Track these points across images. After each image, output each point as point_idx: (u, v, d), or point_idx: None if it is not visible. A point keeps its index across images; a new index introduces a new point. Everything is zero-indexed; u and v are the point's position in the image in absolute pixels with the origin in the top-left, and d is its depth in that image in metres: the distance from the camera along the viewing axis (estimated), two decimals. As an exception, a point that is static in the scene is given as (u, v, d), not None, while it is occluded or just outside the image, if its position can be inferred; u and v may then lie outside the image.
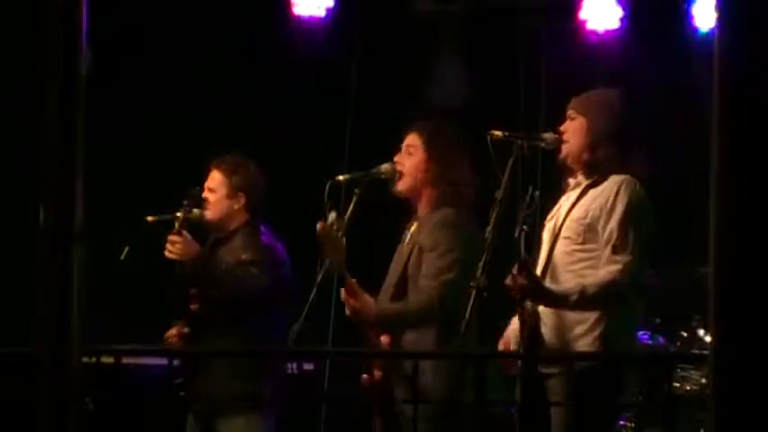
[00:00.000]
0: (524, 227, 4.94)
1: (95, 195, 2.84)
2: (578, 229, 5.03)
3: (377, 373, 5.46)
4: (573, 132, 5.19)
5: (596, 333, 4.98)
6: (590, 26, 7.88)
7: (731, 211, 2.27)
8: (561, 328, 5.02)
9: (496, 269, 5.09)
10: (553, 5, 7.90)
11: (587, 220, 5.02)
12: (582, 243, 5.03)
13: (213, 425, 5.98)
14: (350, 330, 5.99)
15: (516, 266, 4.92)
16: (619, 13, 7.82)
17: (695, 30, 7.66)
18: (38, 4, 2.36)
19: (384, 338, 5.51)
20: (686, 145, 6.54)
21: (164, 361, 6.29)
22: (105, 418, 5.25)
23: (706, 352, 6.11)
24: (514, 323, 5.18)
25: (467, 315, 4.99)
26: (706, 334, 6.48)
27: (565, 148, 5.19)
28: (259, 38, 7.95)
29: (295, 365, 6.01)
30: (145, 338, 6.05)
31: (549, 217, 5.24)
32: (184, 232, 5.98)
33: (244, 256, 6.02)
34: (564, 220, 5.11)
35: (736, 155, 2.26)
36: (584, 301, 4.94)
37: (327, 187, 5.59)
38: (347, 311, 5.46)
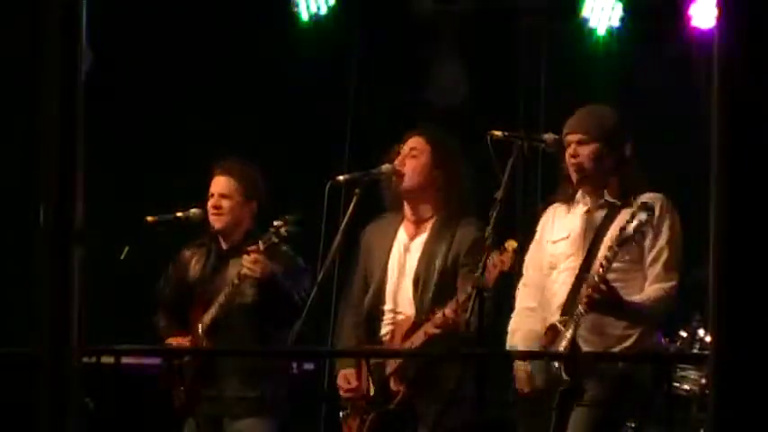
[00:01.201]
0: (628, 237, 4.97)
1: (95, 195, 2.84)
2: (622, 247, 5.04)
3: (397, 387, 5.47)
4: (590, 158, 5.16)
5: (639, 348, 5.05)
6: (591, 26, 7.87)
7: (731, 211, 2.27)
8: (605, 345, 5.08)
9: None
10: (553, 5, 7.89)
11: (631, 239, 5.03)
12: (622, 261, 5.06)
13: (220, 427, 5.97)
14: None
15: (597, 277, 4.94)
16: (619, 12, 7.81)
17: (695, 30, 7.65)
18: (38, 4, 2.36)
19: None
20: (686, 145, 6.54)
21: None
22: (105, 418, 5.24)
23: (706, 352, 6.12)
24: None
25: (467, 315, 4.99)
26: (706, 334, 6.48)
27: (583, 172, 5.17)
28: (259, 38, 7.94)
29: (295, 365, 6.00)
30: (145, 338, 6.05)
31: (564, 234, 5.21)
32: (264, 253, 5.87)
33: (280, 269, 5.94)
34: (597, 239, 5.10)
35: (736, 155, 2.26)
36: (648, 314, 5.04)
37: (327, 187, 5.58)
38: (444, 324, 5.40)
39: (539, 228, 5.36)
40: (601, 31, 7.83)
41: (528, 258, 5.35)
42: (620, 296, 4.98)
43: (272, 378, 5.94)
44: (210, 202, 6.12)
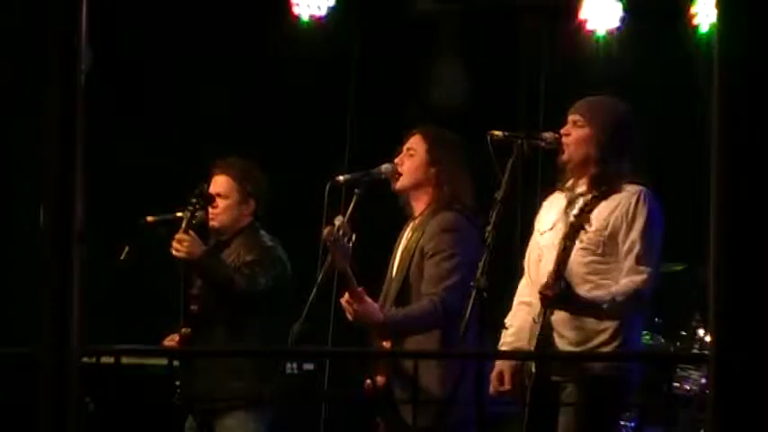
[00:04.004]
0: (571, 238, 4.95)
1: (96, 195, 2.84)
2: (597, 241, 5.02)
3: (380, 379, 5.46)
4: (578, 141, 5.17)
5: (617, 342, 5.01)
6: (590, 26, 7.88)
7: (731, 210, 2.27)
8: (580, 340, 5.03)
9: (497, 269, 5.10)
10: (553, 5, 7.90)
11: (607, 232, 5.02)
12: (601, 255, 5.03)
13: (212, 424, 5.98)
14: (350, 330, 5.99)
15: (551, 273, 4.92)
16: (619, 12, 7.82)
17: (695, 30, 7.66)
18: (38, 4, 2.37)
19: (386, 344, 5.50)
20: (686, 145, 6.55)
21: (164, 361, 6.29)
22: (105, 418, 5.25)
23: (706, 352, 6.12)
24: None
25: (466, 315, 4.99)
26: (706, 334, 6.48)
27: (568, 155, 5.18)
28: (259, 38, 7.95)
29: (295, 365, 6.01)
30: (145, 338, 6.05)
31: (550, 225, 5.21)
32: (191, 231, 5.95)
33: (248, 258, 6.02)
34: (577, 229, 5.09)
35: (736, 155, 2.26)
36: (613, 309, 4.97)
37: (327, 187, 5.59)
38: (349, 316, 5.44)
39: (536, 218, 5.36)
40: (601, 32, 7.84)
41: (528, 251, 5.35)
42: (575, 293, 4.96)
43: (269, 376, 5.95)
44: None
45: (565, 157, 5.18)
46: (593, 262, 5.05)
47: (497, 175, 5.17)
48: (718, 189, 2.27)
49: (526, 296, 5.28)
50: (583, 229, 4.91)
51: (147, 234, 6.04)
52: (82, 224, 2.31)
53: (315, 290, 5.50)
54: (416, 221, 5.65)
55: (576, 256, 5.03)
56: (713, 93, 2.28)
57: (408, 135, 5.75)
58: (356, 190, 5.61)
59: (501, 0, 7.99)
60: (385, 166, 5.72)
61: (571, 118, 5.22)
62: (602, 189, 5.08)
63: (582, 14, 7.82)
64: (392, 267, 5.70)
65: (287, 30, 8.05)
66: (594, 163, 5.16)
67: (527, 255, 5.34)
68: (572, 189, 5.22)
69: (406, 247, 5.62)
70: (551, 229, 5.19)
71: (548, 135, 5.31)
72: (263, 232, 6.17)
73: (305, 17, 8.09)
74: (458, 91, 7.73)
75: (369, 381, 5.50)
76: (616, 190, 5.09)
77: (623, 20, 7.80)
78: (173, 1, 8.08)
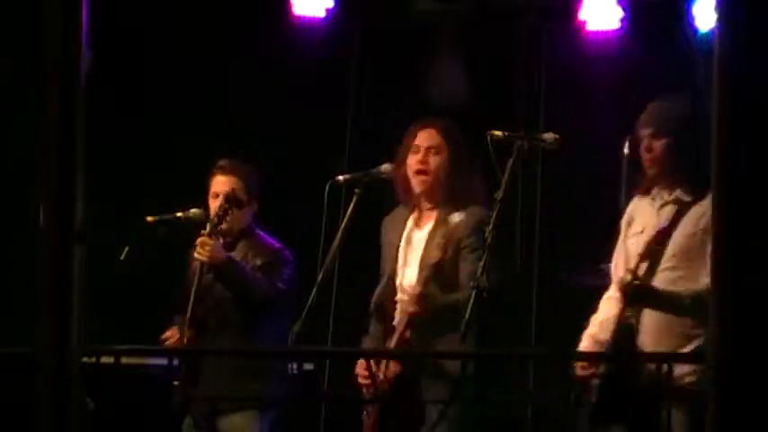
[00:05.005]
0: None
1: (96, 195, 2.84)
2: (689, 245, 5.03)
3: (393, 367, 5.44)
4: (663, 151, 5.11)
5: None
6: (590, 26, 7.87)
7: (731, 211, 2.27)
8: (676, 344, 5.01)
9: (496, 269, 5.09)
10: (553, 5, 7.89)
11: (698, 236, 5.02)
12: (690, 259, 5.03)
13: (214, 424, 5.98)
14: (350, 330, 5.99)
15: (630, 268, 4.91)
16: (619, 13, 7.81)
17: (695, 30, 7.66)
18: (38, 4, 2.37)
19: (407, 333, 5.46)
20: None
21: (164, 361, 6.29)
22: (105, 418, 5.24)
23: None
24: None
25: (467, 315, 4.99)
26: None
27: (658, 170, 5.13)
28: (259, 38, 7.94)
29: (295, 365, 6.01)
30: (145, 338, 6.05)
31: (639, 229, 5.15)
32: (214, 236, 5.94)
33: (257, 261, 6.02)
34: (667, 235, 5.08)
35: (736, 155, 2.26)
36: (696, 307, 4.94)
37: (327, 187, 5.59)
38: (417, 300, 5.40)
39: (622, 225, 5.31)
40: (601, 32, 7.83)
41: (615, 257, 5.30)
42: (651, 287, 4.94)
43: (263, 374, 5.95)
44: (217, 203, 6.10)
45: (655, 172, 5.13)
46: (678, 267, 5.03)
47: (497, 175, 5.16)
48: (719, 188, 2.27)
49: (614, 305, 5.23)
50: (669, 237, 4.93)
51: (147, 234, 6.04)
52: (82, 224, 2.32)
53: (315, 290, 5.50)
54: (435, 214, 5.60)
55: (668, 262, 5.02)
56: (713, 93, 2.28)
57: (418, 128, 5.70)
58: (356, 190, 5.60)
59: (501, 0, 7.97)
60: (385, 166, 5.71)
61: (645, 132, 5.15)
62: (696, 195, 5.06)
63: (582, 14, 7.81)
64: (404, 255, 5.65)
65: (287, 30, 8.04)
66: (683, 171, 5.11)
67: (614, 261, 5.28)
68: (659, 195, 5.18)
69: (431, 238, 5.56)
70: (641, 231, 5.16)
71: (548, 135, 5.31)
72: (261, 233, 6.18)
73: (305, 17, 8.08)
74: (458, 91, 7.72)
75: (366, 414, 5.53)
76: (706, 192, 5.07)
77: (623, 20, 7.79)
78: (172, 1, 8.07)
